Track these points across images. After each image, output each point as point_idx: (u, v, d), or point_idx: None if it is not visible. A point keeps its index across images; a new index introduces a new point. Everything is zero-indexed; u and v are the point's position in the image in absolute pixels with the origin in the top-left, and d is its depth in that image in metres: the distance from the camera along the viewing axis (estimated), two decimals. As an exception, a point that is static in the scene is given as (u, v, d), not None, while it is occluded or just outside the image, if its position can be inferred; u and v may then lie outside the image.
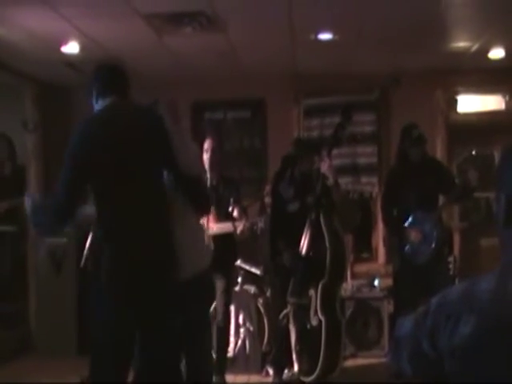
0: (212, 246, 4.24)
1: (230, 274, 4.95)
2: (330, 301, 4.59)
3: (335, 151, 4.87)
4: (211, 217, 4.47)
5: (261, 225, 4.81)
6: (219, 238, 4.59)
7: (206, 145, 4.78)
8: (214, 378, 4.52)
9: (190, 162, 3.12)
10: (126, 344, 3.05)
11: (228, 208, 4.75)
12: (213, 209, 4.21)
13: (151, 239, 3.02)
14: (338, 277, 4.72)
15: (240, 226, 4.64)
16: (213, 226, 4.51)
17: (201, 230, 3.73)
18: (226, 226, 4.65)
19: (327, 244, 4.54)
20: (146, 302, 3.02)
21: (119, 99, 3.13)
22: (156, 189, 3.09)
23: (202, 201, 3.40)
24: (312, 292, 4.57)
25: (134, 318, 3.04)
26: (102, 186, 3.04)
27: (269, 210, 5.09)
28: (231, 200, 4.77)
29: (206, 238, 3.75)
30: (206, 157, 4.73)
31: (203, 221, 4.32)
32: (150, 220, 3.03)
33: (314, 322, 4.52)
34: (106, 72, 3.19)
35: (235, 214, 4.75)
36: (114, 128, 3.08)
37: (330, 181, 4.64)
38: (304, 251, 4.59)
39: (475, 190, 5.24)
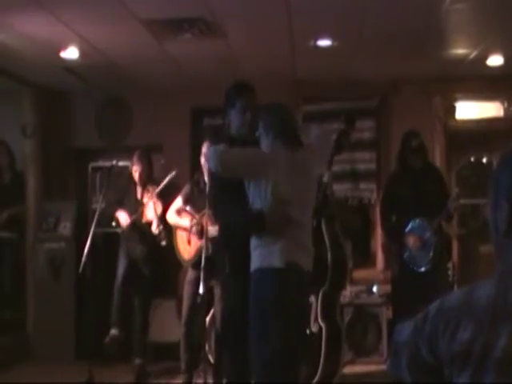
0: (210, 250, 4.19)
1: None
2: (331, 307, 4.58)
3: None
4: (209, 220, 4.36)
5: None
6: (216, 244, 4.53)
7: (204, 149, 4.73)
8: None
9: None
10: None
11: None
12: (210, 212, 4.14)
13: None
14: (339, 284, 4.70)
15: None
16: (211, 229, 4.40)
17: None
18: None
19: (328, 251, 4.53)
20: None
21: None
22: None
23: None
24: (312, 298, 4.56)
25: None
26: None
27: None
28: None
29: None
30: (203, 161, 4.70)
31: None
32: None
33: (314, 329, 4.51)
34: None
35: None
36: None
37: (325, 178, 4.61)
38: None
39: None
